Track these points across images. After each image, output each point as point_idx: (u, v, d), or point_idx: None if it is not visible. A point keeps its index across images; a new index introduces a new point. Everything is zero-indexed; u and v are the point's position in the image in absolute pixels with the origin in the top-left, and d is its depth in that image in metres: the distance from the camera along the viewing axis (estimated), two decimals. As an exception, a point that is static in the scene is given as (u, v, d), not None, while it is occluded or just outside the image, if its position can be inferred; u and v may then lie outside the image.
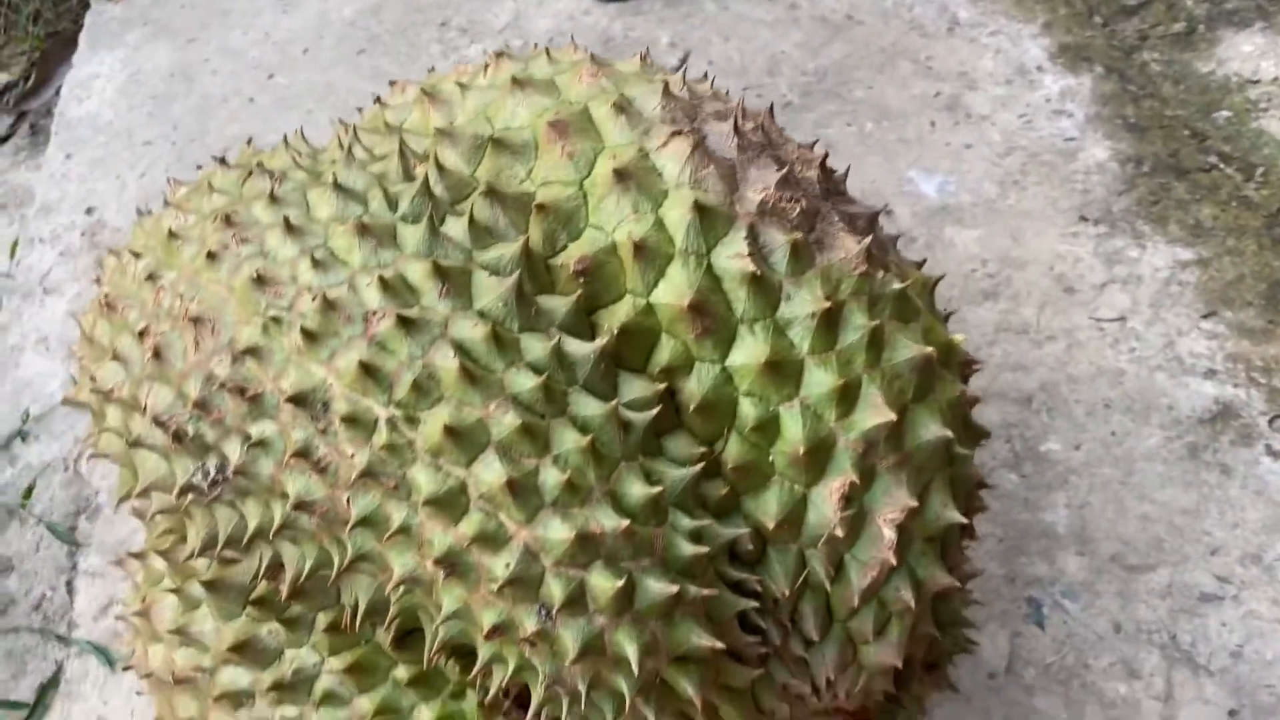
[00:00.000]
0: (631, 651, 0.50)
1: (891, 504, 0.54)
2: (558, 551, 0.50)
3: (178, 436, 0.57)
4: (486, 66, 0.67)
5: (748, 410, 0.55)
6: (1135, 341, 0.96)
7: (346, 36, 1.38)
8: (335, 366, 0.54)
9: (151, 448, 0.59)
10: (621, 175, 0.57)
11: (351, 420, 0.53)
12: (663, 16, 1.31)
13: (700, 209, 0.56)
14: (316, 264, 0.56)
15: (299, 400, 0.54)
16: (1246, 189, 1.04)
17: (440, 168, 0.60)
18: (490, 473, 0.51)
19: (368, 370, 0.53)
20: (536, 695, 0.54)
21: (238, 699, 0.63)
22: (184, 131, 1.29)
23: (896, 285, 0.57)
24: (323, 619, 0.62)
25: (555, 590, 0.50)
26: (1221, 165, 1.06)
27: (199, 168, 0.73)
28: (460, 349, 0.53)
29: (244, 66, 1.37)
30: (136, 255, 0.63)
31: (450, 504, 0.52)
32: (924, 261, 0.67)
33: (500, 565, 0.51)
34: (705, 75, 0.71)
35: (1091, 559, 0.85)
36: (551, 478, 0.51)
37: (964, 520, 0.57)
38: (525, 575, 0.50)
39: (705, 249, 0.56)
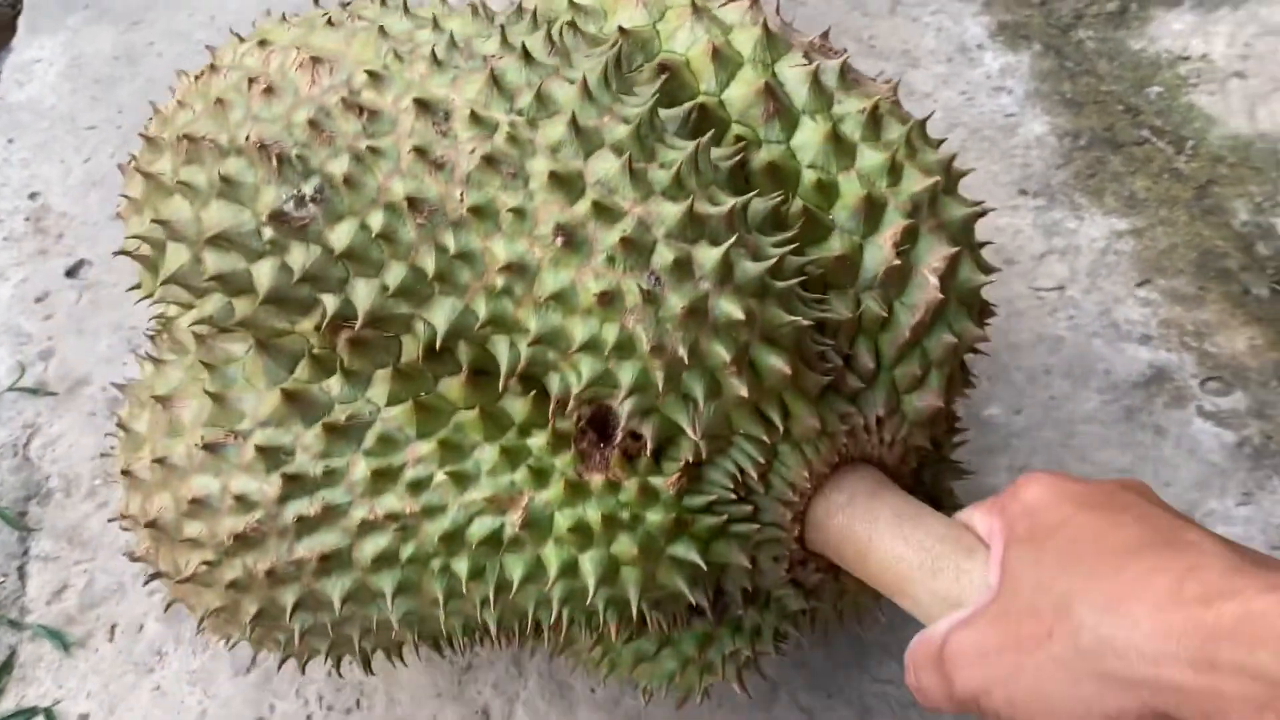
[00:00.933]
0: (735, 311, 0.55)
1: (934, 255, 0.62)
2: (670, 223, 0.55)
3: (280, 160, 0.58)
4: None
5: (810, 177, 0.63)
6: (1073, 310, 0.99)
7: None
8: (459, 85, 0.58)
9: (239, 188, 0.59)
10: (695, 8, 0.66)
11: (475, 119, 0.57)
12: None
13: (767, 31, 0.66)
14: (437, 27, 0.62)
15: (421, 106, 0.57)
16: (1177, 161, 1.08)
17: (520, 10, 0.66)
18: (607, 162, 0.56)
19: (494, 81, 0.58)
20: (627, 382, 0.55)
21: (274, 456, 0.60)
22: (129, 115, 1.27)
23: (917, 119, 0.67)
24: (382, 374, 0.61)
25: (667, 255, 0.54)
26: (1154, 139, 1.10)
27: None
28: (572, 82, 0.59)
29: (190, 49, 1.36)
30: (240, 39, 0.66)
31: (569, 185, 0.56)
32: None
33: (616, 233, 0.55)
34: None
35: (1033, 519, 0.88)
36: (661, 175, 0.57)
37: (988, 281, 0.65)
38: (640, 241, 0.54)
39: (771, 60, 0.66)
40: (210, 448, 0.60)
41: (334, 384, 0.61)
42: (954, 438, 0.72)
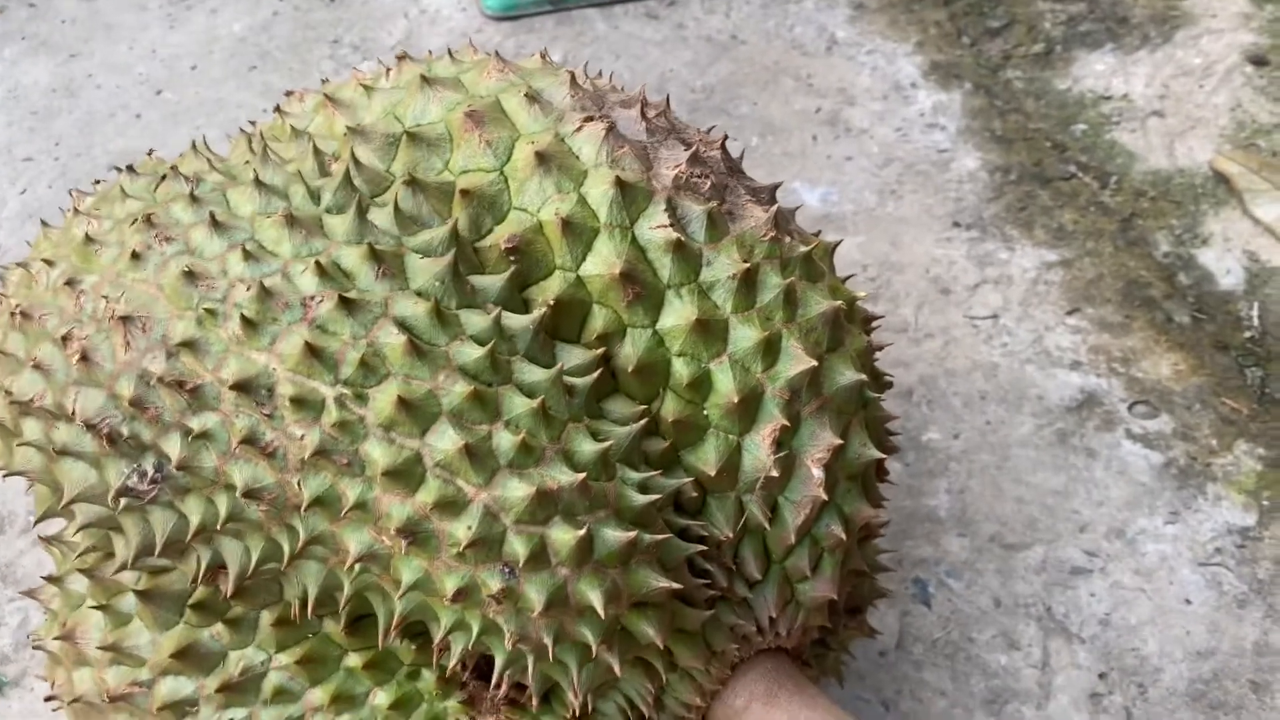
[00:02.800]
0: (596, 598, 0.52)
1: (817, 445, 0.59)
2: (518, 510, 0.52)
3: (111, 439, 0.56)
4: (388, 70, 0.69)
5: (681, 369, 0.58)
6: (1007, 337, 1.02)
7: (237, 53, 1.37)
8: (277, 351, 0.54)
9: (80, 455, 0.57)
10: (542, 158, 0.60)
11: (298, 402, 0.53)
12: (555, 34, 1.34)
13: (621, 184, 0.59)
14: (248, 255, 0.56)
15: (242, 387, 0.54)
16: (1102, 195, 1.12)
17: (357, 163, 0.61)
18: (445, 440, 0.52)
19: (312, 351, 0.53)
20: (501, 657, 0.55)
21: (180, 709, 0.62)
22: (67, 147, 1.26)
23: (803, 249, 0.62)
24: (267, 616, 0.62)
25: (518, 547, 0.52)
26: (1080, 174, 1.14)
27: (96, 182, 0.72)
28: (403, 325, 0.54)
29: (130, 82, 1.35)
30: (49, 263, 0.61)
31: (407, 474, 0.53)
32: (819, 232, 0.72)
33: (462, 529, 0.52)
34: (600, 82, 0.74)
35: (972, 539, 0.90)
36: (505, 441, 0.53)
37: (882, 455, 0.62)
38: (487, 535, 0.52)
39: (629, 222, 0.59)
40: (119, 698, 0.62)
41: (222, 631, 0.62)
42: (875, 542, 0.69)
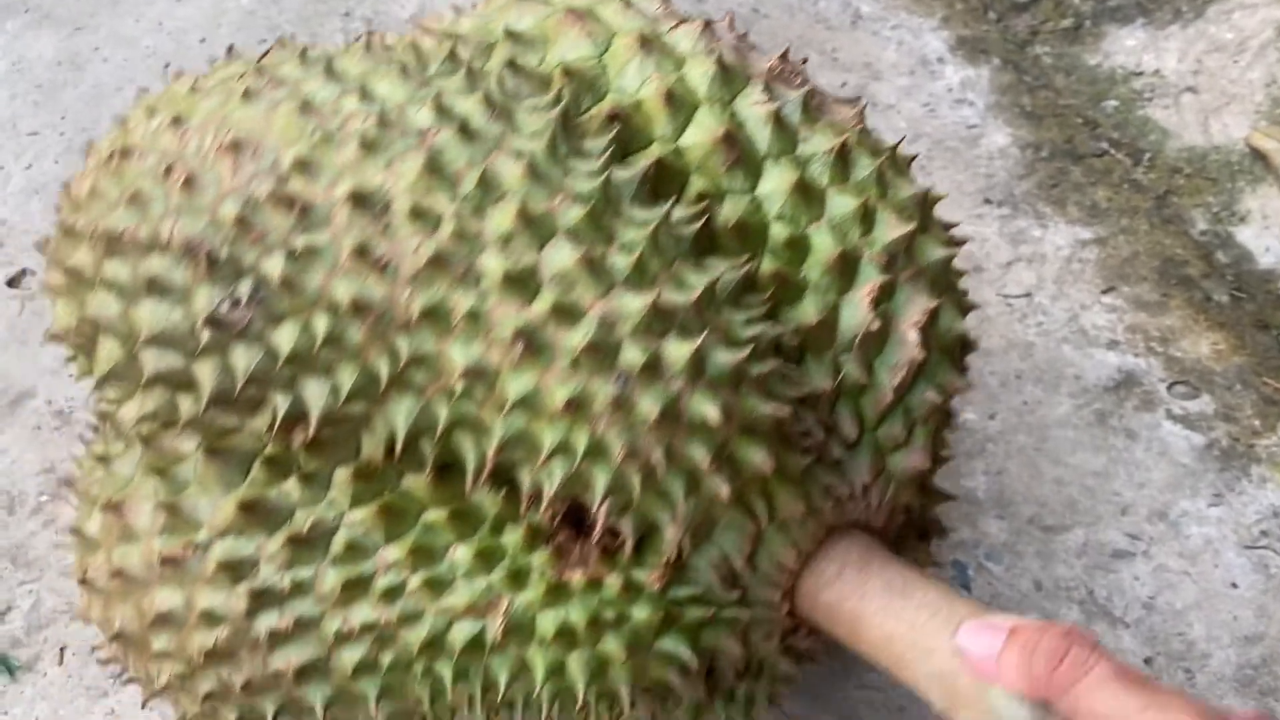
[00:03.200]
0: (711, 411, 0.52)
1: (914, 309, 0.59)
2: (634, 320, 0.52)
3: (210, 261, 0.54)
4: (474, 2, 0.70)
5: (779, 231, 0.59)
6: (1042, 316, 1.00)
7: (245, 26, 1.34)
8: (395, 170, 0.54)
9: (167, 289, 0.54)
10: (644, 40, 0.62)
11: (416, 213, 0.53)
12: (572, 8, 1.31)
13: (722, 65, 0.61)
14: (365, 95, 0.57)
15: (357, 200, 0.53)
16: (1136, 173, 1.10)
17: (454, 55, 0.61)
18: (563, 253, 0.52)
19: (432, 168, 0.53)
20: (604, 482, 0.53)
21: (238, 570, 0.57)
22: (73, 121, 1.23)
23: (888, 144, 0.64)
24: (343, 472, 0.58)
25: (633, 356, 0.51)
26: (1112, 151, 1.12)
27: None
28: (519, 156, 0.55)
29: (137, 55, 1.32)
30: (150, 111, 0.60)
31: (523, 284, 0.52)
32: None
33: (578, 335, 0.51)
34: None
35: (1011, 522, 0.88)
36: (620, 260, 0.53)
37: (969, 332, 0.63)
38: (603, 343, 0.51)
39: (729, 97, 0.61)
40: (169, 561, 0.58)
41: (292, 487, 0.58)
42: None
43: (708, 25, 0.64)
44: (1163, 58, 1.19)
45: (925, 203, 0.63)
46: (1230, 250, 1.04)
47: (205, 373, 0.55)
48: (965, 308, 0.65)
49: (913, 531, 0.66)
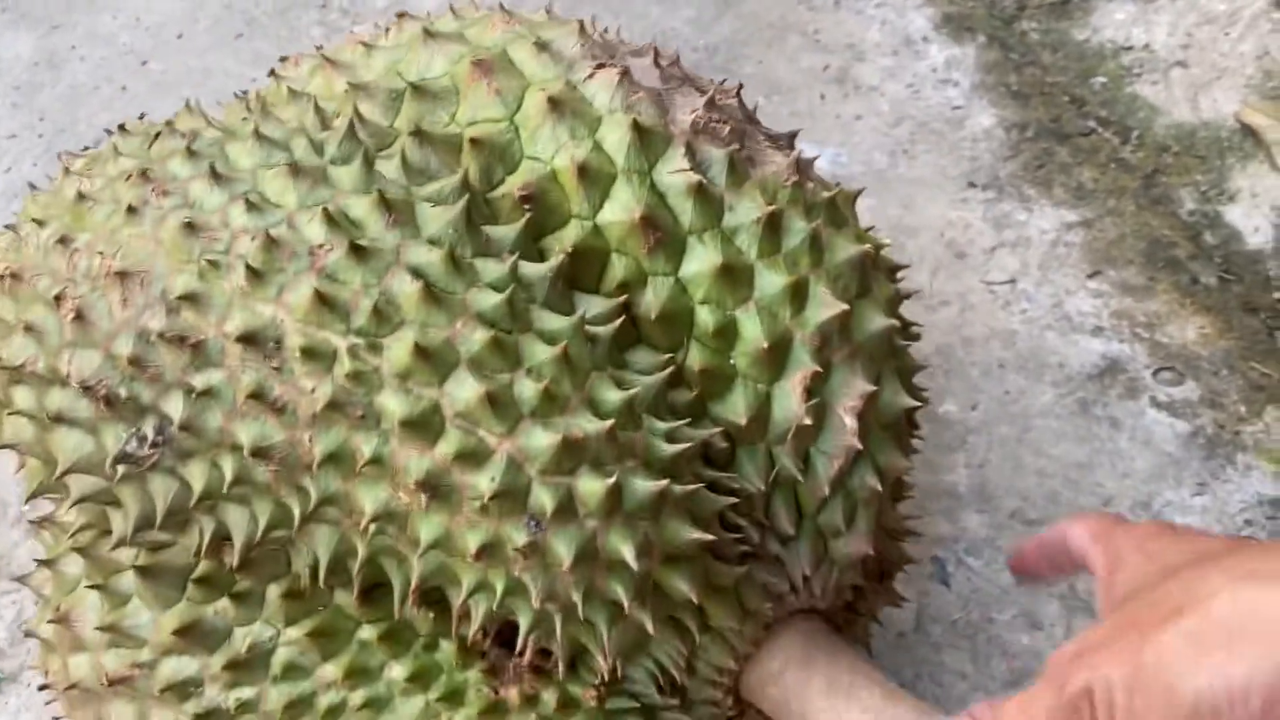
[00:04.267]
0: (627, 550, 0.50)
1: (850, 392, 0.56)
2: (543, 459, 0.49)
3: (109, 401, 0.53)
4: (387, 29, 0.66)
5: (705, 317, 0.56)
6: (1026, 303, 0.98)
7: (222, 20, 1.33)
8: (285, 302, 0.51)
9: (74, 422, 0.54)
10: (554, 104, 0.57)
11: (309, 353, 0.50)
12: (551, -6, 1.29)
13: (638, 129, 0.57)
14: (251, 206, 0.53)
15: (248, 340, 0.51)
16: (1123, 151, 1.08)
17: (360, 118, 0.58)
18: (465, 389, 0.50)
19: (322, 300, 0.50)
20: (526, 620, 0.52)
21: (184, 690, 0.58)
22: (51, 123, 1.22)
23: (825, 194, 0.60)
24: (275, 589, 0.58)
25: (544, 499, 0.49)
26: (1100, 129, 1.10)
27: (86, 149, 0.69)
28: (417, 273, 0.51)
29: (115, 53, 1.31)
30: (39, 223, 0.58)
31: (425, 425, 0.50)
32: (838, 183, 0.68)
33: (485, 480, 0.49)
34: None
35: (992, 515, 0.87)
36: (528, 389, 0.50)
37: (914, 404, 0.60)
38: (512, 487, 0.49)
39: (647, 166, 0.57)
40: (119, 680, 0.59)
41: (227, 606, 0.58)
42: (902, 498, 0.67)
43: (625, 74, 0.59)
44: (1152, 31, 1.16)
45: (865, 263, 0.59)
46: (1219, 230, 1.01)
47: (127, 497, 0.55)
48: (910, 373, 0.61)
49: (869, 583, 0.65)
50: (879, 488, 0.58)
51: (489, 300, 0.52)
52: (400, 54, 0.63)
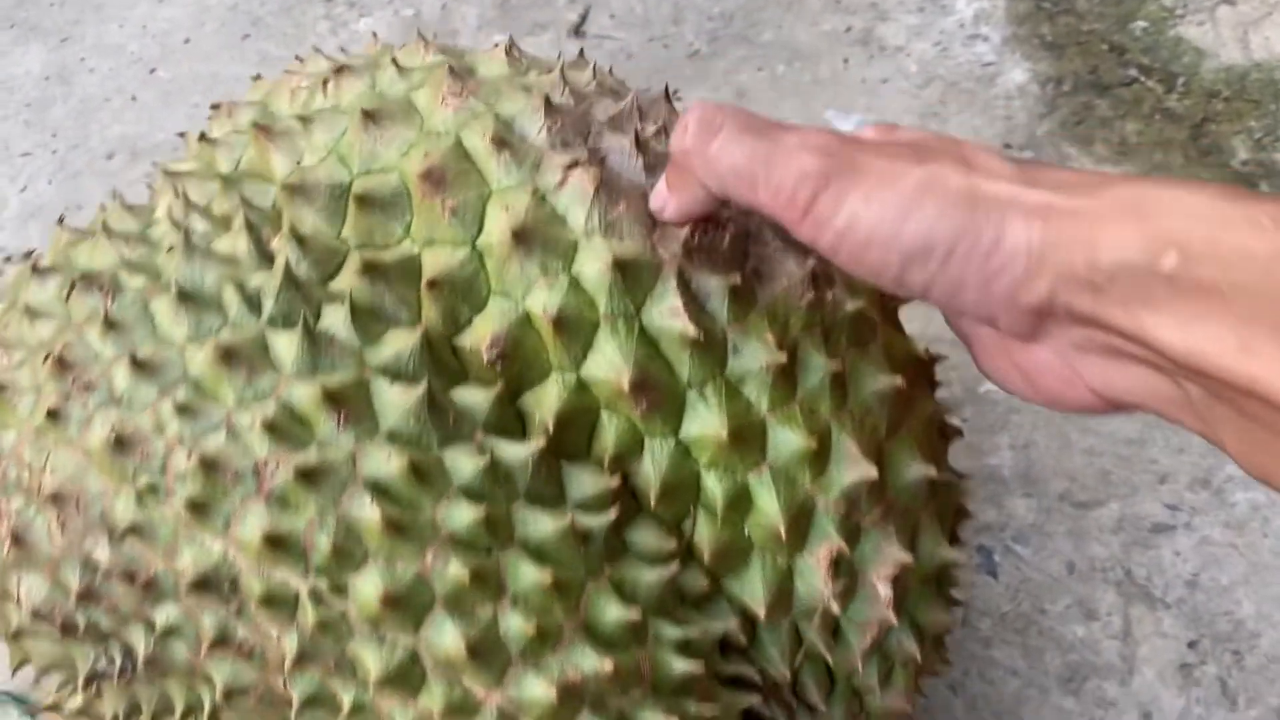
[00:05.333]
0: None
1: (883, 560, 0.49)
2: (538, 711, 0.45)
3: (67, 628, 0.49)
4: (326, 82, 0.57)
5: (713, 485, 0.49)
6: (1069, 270, 0.93)
7: (228, 22, 1.30)
8: (234, 537, 0.46)
9: (38, 636, 0.51)
10: (521, 237, 0.48)
11: (268, 600, 0.45)
12: (559, -30, 1.25)
13: (620, 266, 0.48)
14: (182, 410, 0.47)
15: (202, 585, 0.46)
16: (1169, 100, 1.01)
17: (299, 238, 0.50)
18: (444, 636, 0.44)
19: (274, 541, 0.45)
20: None
21: None
22: (64, 138, 1.21)
23: (850, 306, 0.50)
24: None
25: None
26: (1142, 78, 1.03)
27: (103, 201, 0.63)
28: (377, 491, 0.45)
29: (123, 63, 1.30)
30: None
31: (404, 678, 0.45)
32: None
33: None
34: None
35: (1040, 500, 0.83)
36: (515, 625, 0.45)
37: (957, 556, 0.54)
38: None
39: (634, 309, 0.48)
40: None
41: None
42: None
43: (601, 176, 0.49)
44: (1196, -34, 1.09)
45: (898, 398, 0.50)
46: (1275, 180, 0.95)
47: (112, 697, 0.52)
48: (952, 506, 0.54)
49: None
50: (917, 652, 0.52)
51: (463, 518, 0.45)
52: (340, 128, 0.54)
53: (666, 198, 0.47)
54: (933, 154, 0.38)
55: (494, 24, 1.24)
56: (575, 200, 0.49)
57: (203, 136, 0.60)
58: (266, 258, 0.51)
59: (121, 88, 1.35)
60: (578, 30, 1.18)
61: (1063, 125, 1.01)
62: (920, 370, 0.54)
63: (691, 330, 0.47)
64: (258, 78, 0.65)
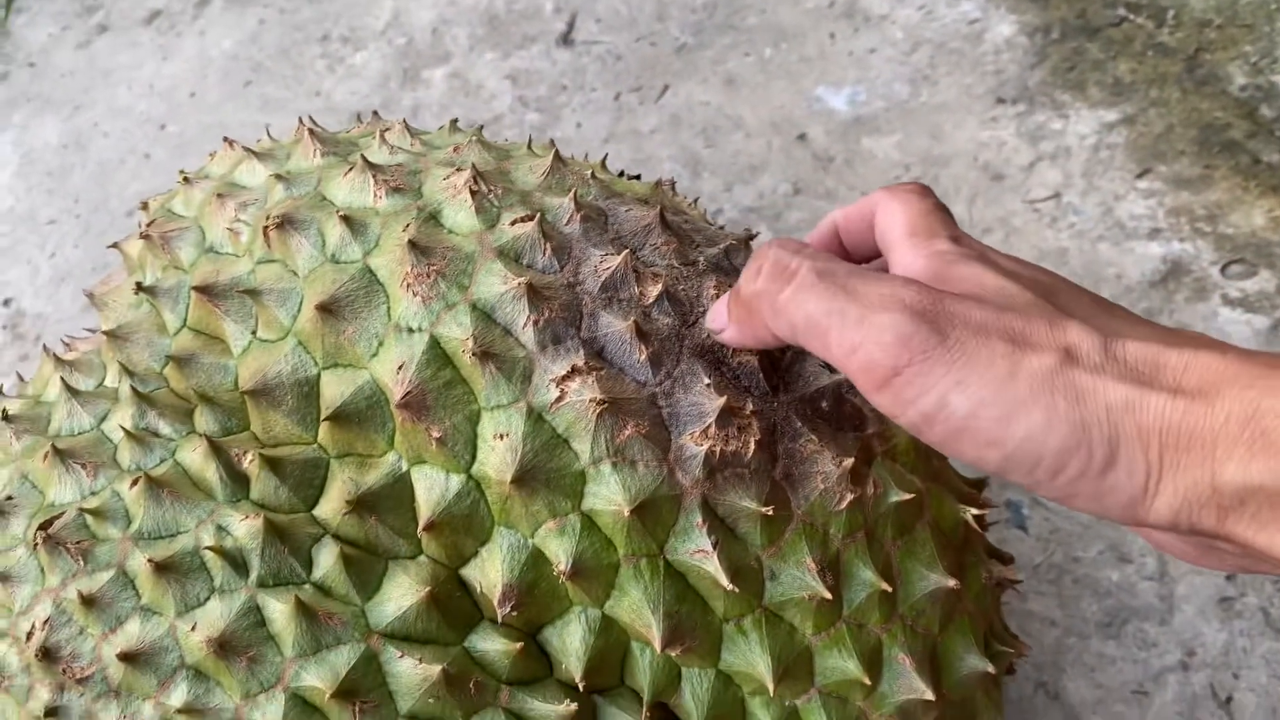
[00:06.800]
0: None
1: None
2: None
3: None
4: (266, 231, 0.49)
5: (760, 712, 0.46)
6: (1073, 216, 0.93)
7: (230, 70, 1.34)
8: None
9: None
10: (522, 482, 0.43)
11: None
12: (542, -28, 1.27)
13: (639, 511, 0.43)
14: (189, 713, 0.44)
15: None
16: (1160, 35, 1.00)
17: (272, 463, 0.45)
18: None
19: None
20: None
21: None
22: (85, 202, 1.25)
23: (894, 497, 0.46)
24: None
25: None
26: (1131, 16, 1.02)
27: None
28: None
29: (134, 123, 1.34)
30: None
31: None
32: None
33: None
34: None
35: (1063, 449, 0.82)
36: None
37: None
38: None
39: (656, 548, 0.44)
40: None
41: None
42: None
43: (608, 394, 0.43)
44: (1176, -103, 1.07)
45: (952, 599, 0.46)
46: (1275, 102, 0.93)
47: None
48: (1000, 688, 0.53)
49: None
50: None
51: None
52: (296, 307, 0.46)
53: (726, 323, 0.43)
54: (1029, 325, 0.35)
55: (485, 41, 1.25)
56: (579, 419, 0.43)
57: (144, 233, 0.53)
58: (240, 481, 0.46)
59: (134, 147, 1.39)
60: (566, 39, 1.20)
61: (1054, 73, 1.00)
62: (972, 538, 0.50)
63: (724, 579, 0.43)
64: (228, 146, 0.62)
